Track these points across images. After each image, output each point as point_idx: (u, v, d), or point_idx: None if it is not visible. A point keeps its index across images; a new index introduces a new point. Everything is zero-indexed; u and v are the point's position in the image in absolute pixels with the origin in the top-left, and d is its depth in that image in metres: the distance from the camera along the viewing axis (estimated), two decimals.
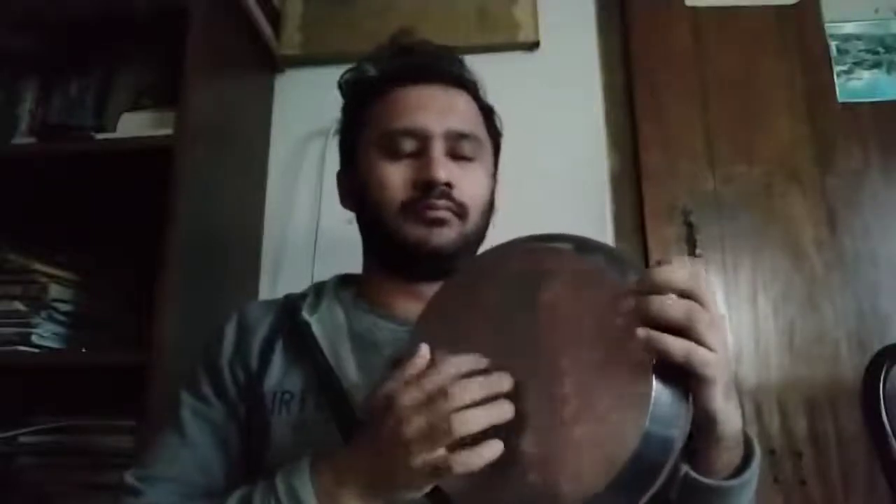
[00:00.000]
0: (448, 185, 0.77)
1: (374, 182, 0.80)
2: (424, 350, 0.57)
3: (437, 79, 0.84)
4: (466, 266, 0.68)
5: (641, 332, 0.52)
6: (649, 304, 0.53)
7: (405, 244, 0.78)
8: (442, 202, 0.77)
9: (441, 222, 0.77)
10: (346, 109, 0.89)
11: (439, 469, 0.53)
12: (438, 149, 0.79)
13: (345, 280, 0.88)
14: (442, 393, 0.53)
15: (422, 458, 0.53)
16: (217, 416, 0.76)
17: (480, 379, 0.55)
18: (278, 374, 0.76)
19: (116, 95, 1.27)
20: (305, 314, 0.78)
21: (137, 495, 0.71)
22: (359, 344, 0.76)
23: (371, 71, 0.86)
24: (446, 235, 0.78)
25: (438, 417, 0.52)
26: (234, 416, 0.76)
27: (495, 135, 0.89)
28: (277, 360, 0.77)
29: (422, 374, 0.56)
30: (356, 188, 0.84)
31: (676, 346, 0.52)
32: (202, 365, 0.80)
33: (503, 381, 0.55)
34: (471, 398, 0.53)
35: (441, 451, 0.52)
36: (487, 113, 0.88)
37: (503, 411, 0.54)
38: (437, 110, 0.81)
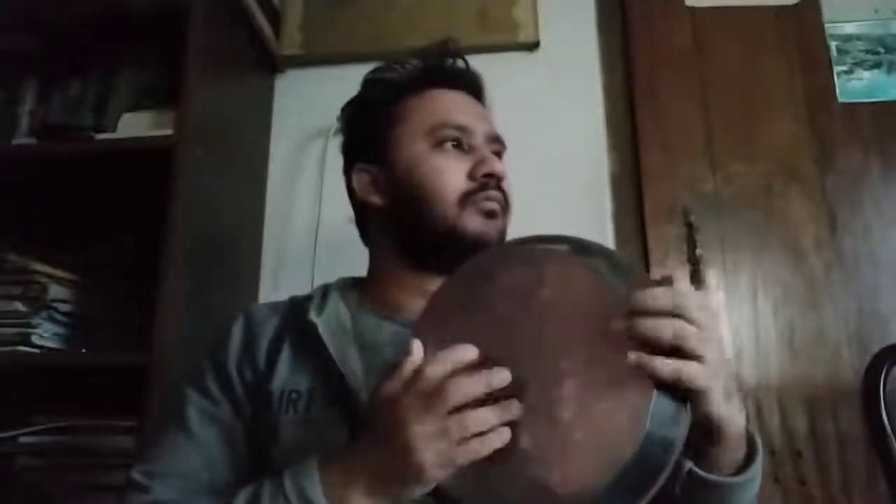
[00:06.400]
0: (502, 178, 0.82)
1: (425, 172, 0.81)
2: (416, 346, 0.58)
3: (466, 88, 0.89)
4: (465, 267, 0.69)
5: (632, 356, 0.55)
6: (638, 326, 0.56)
7: (462, 234, 0.79)
8: (497, 194, 0.81)
9: (495, 214, 0.81)
10: (373, 105, 0.88)
11: (448, 461, 0.54)
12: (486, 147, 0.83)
13: (350, 283, 0.89)
14: (438, 391, 0.54)
15: (431, 454, 0.54)
16: (223, 415, 0.77)
17: (475, 375, 0.55)
18: (286, 373, 0.76)
19: (116, 95, 1.26)
20: (312, 315, 0.78)
21: (144, 491, 0.71)
22: (364, 344, 0.77)
23: (403, 70, 0.88)
24: (497, 226, 0.81)
25: (442, 416, 0.54)
26: (240, 414, 0.77)
27: None
28: (285, 359, 0.77)
29: (419, 372, 0.56)
30: (390, 181, 0.84)
31: (665, 368, 0.54)
32: (209, 363, 0.80)
33: (499, 376, 0.56)
34: (464, 395, 0.54)
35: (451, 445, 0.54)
36: None
37: (511, 411, 0.55)
38: (475, 114, 0.86)
